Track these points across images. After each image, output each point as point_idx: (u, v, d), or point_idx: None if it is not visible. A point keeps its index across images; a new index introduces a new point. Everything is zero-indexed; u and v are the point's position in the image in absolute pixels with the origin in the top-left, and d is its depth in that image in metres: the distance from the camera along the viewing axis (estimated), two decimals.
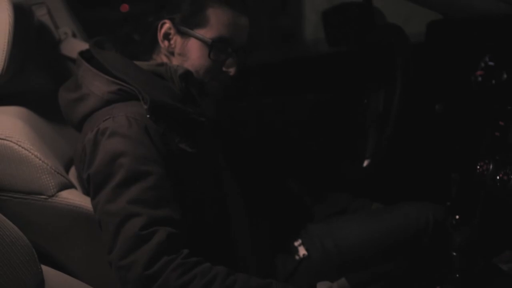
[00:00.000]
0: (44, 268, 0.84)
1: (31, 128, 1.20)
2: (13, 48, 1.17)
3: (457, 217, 1.24)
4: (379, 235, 1.40)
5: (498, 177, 1.21)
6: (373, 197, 1.60)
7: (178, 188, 1.11)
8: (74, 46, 1.53)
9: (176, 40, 1.24)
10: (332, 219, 1.49)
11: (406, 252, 1.40)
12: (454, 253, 1.23)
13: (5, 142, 1.10)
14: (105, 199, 1.05)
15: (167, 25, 1.23)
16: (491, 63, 1.34)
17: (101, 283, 1.09)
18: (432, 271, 1.36)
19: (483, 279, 1.28)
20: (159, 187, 1.06)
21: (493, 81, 1.33)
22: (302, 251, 1.36)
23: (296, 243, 1.38)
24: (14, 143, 1.10)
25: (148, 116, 1.11)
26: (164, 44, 1.24)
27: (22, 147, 1.10)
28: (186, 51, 1.23)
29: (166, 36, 1.24)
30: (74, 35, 1.67)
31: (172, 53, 1.25)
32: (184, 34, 1.23)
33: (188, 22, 1.22)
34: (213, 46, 1.21)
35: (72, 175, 1.26)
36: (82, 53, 1.25)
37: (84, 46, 1.36)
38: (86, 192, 1.15)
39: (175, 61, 1.24)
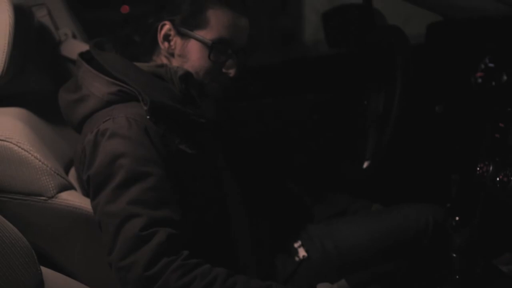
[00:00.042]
0: (44, 269, 0.84)
1: (31, 129, 1.19)
2: (13, 49, 1.17)
3: (457, 218, 1.24)
4: (379, 236, 1.40)
5: (498, 179, 1.21)
6: (373, 198, 1.60)
7: (178, 189, 1.11)
8: (74, 47, 1.53)
9: (176, 41, 1.24)
10: (332, 220, 1.49)
11: (406, 254, 1.40)
12: (454, 255, 1.23)
13: (5, 143, 1.10)
14: (105, 200, 1.05)
15: (167, 26, 1.23)
16: (491, 65, 1.34)
17: (101, 284, 1.09)
18: (432, 272, 1.36)
19: (483, 281, 1.28)
20: (159, 188, 1.06)
21: (493, 83, 1.33)
22: (302, 252, 1.36)
23: (296, 244, 1.38)
24: (14, 144, 1.10)
25: (148, 117, 1.11)
26: (164, 46, 1.25)
27: (22, 148, 1.10)
28: (186, 52, 1.23)
29: (166, 38, 1.24)
30: (74, 36, 1.67)
31: (172, 55, 1.25)
32: (184, 36, 1.23)
33: (188, 24, 1.22)
34: (213, 48, 1.22)
35: (72, 176, 1.25)
36: (82, 54, 1.25)
37: (84, 47, 1.36)
38: (86, 193, 1.15)
39: (175, 63, 1.24)
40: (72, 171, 1.28)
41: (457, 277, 1.23)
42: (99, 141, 1.09)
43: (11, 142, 1.10)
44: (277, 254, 1.35)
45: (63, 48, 1.59)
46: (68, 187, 1.15)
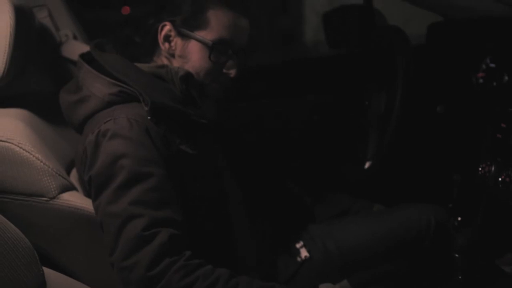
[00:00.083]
0: (46, 270, 0.84)
1: (32, 130, 1.19)
2: (14, 51, 1.17)
3: (459, 218, 1.24)
4: (380, 236, 1.39)
5: (500, 179, 1.21)
6: (375, 199, 1.60)
7: (179, 189, 1.11)
8: (75, 48, 1.53)
9: (177, 42, 1.24)
10: (333, 220, 1.49)
11: (407, 254, 1.40)
12: (456, 255, 1.23)
13: (7, 144, 1.10)
14: (107, 200, 1.05)
15: (168, 27, 1.23)
16: (492, 65, 1.34)
17: (103, 284, 1.09)
18: (434, 272, 1.36)
19: (485, 281, 1.28)
20: (161, 188, 1.06)
21: (494, 83, 1.33)
22: (304, 253, 1.36)
23: (297, 245, 1.37)
24: (16, 145, 1.10)
25: (149, 117, 1.11)
26: (164, 46, 1.25)
27: (23, 149, 1.10)
28: (186, 53, 1.23)
29: (167, 38, 1.24)
30: (75, 37, 1.67)
31: (173, 55, 1.25)
32: (184, 36, 1.23)
33: (188, 24, 1.22)
34: (214, 48, 1.22)
35: (74, 177, 1.25)
36: (83, 55, 1.25)
37: (85, 48, 1.36)
38: (88, 194, 1.15)
39: (176, 63, 1.25)
40: (74, 172, 1.28)
41: (459, 277, 1.23)
42: (100, 142, 1.09)
43: (12, 143, 1.10)
44: (279, 255, 1.34)
45: (63, 49, 1.59)
46: (69, 187, 1.15)
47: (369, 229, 1.41)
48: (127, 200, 1.03)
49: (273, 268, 1.31)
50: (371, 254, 1.38)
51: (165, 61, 1.26)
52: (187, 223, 1.07)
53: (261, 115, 1.96)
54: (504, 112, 1.26)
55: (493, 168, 1.23)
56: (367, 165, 1.66)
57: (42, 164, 1.11)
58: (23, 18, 1.23)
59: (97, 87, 1.16)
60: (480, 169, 1.24)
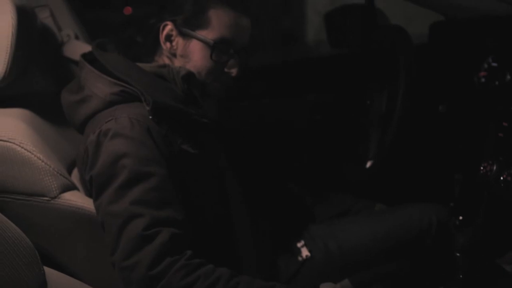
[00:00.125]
0: (47, 269, 0.84)
1: (33, 130, 1.20)
2: (16, 51, 1.17)
3: (460, 218, 1.23)
4: (382, 236, 1.39)
5: (501, 178, 1.21)
6: (376, 198, 1.60)
7: (180, 189, 1.11)
8: (77, 48, 1.53)
9: (178, 41, 1.24)
10: (334, 220, 1.49)
11: (409, 253, 1.40)
12: (458, 254, 1.23)
13: (8, 144, 1.10)
14: (108, 200, 1.05)
15: (169, 26, 1.24)
16: (494, 64, 1.34)
17: (104, 284, 1.09)
18: (435, 271, 1.36)
19: (486, 280, 1.28)
20: (162, 188, 1.06)
21: (496, 82, 1.33)
22: (305, 252, 1.35)
23: (299, 244, 1.37)
24: (17, 145, 1.11)
25: (150, 117, 1.11)
26: (166, 46, 1.25)
27: (25, 149, 1.11)
28: (188, 52, 1.23)
29: (168, 38, 1.24)
30: (76, 37, 1.68)
31: (174, 55, 1.25)
32: (186, 36, 1.23)
33: (190, 24, 1.22)
34: (215, 47, 1.22)
35: (75, 176, 1.26)
36: (84, 55, 1.25)
37: (87, 48, 1.37)
38: (89, 194, 1.15)
39: (177, 63, 1.25)
40: (75, 172, 1.28)
41: (461, 276, 1.23)
42: (101, 142, 1.09)
43: (14, 143, 1.11)
44: (280, 254, 1.34)
45: (65, 49, 1.59)
46: (71, 187, 1.15)
47: (371, 229, 1.41)
48: (128, 200, 1.03)
49: (274, 267, 1.31)
50: (373, 254, 1.38)
51: (167, 61, 1.26)
52: (188, 222, 1.07)
53: (263, 115, 1.96)
54: (506, 111, 1.26)
55: (494, 167, 1.22)
56: (368, 164, 1.66)
57: (43, 164, 1.11)
58: (25, 18, 1.23)
59: (99, 86, 1.16)
60: (482, 168, 1.24)
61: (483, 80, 1.37)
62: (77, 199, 1.14)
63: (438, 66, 1.82)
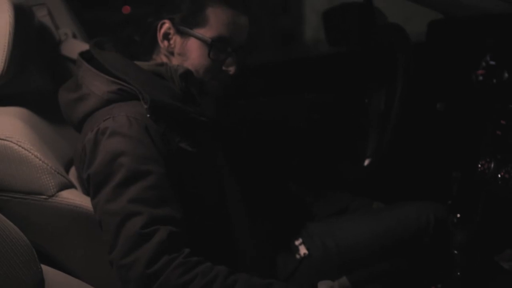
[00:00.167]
0: (44, 267, 0.83)
1: (31, 128, 1.20)
2: (13, 49, 1.17)
3: (458, 215, 1.23)
4: (379, 234, 1.39)
5: (499, 176, 1.21)
6: (374, 196, 1.60)
7: (178, 187, 1.11)
8: (74, 46, 1.53)
9: (176, 40, 1.24)
10: (332, 218, 1.49)
11: (407, 251, 1.40)
12: (455, 252, 1.23)
13: (5, 142, 1.10)
14: (106, 198, 1.05)
15: (167, 25, 1.23)
16: (492, 62, 1.34)
17: (102, 282, 1.09)
18: (433, 269, 1.36)
19: (484, 277, 1.28)
20: (160, 186, 1.06)
21: (494, 80, 1.33)
22: (303, 250, 1.35)
23: (297, 242, 1.37)
24: (14, 143, 1.11)
25: (148, 115, 1.11)
26: (163, 44, 1.25)
27: (22, 148, 1.11)
28: (185, 50, 1.23)
29: (166, 36, 1.24)
30: (74, 36, 1.67)
31: (172, 53, 1.25)
32: (183, 34, 1.23)
33: (187, 22, 1.22)
34: (213, 46, 1.22)
35: (72, 175, 1.26)
36: (82, 54, 1.25)
37: (84, 46, 1.37)
38: (86, 192, 1.15)
39: (175, 61, 1.25)
40: (73, 170, 1.28)
41: (458, 274, 1.23)
42: (99, 140, 1.09)
43: (11, 141, 1.11)
44: (278, 252, 1.34)
45: (63, 48, 1.59)
46: (68, 185, 1.15)
47: (368, 227, 1.41)
48: (126, 198, 1.03)
49: (272, 265, 1.31)
50: (370, 252, 1.38)
51: (164, 59, 1.26)
52: (186, 220, 1.07)
53: (261, 113, 1.96)
54: (504, 109, 1.26)
55: (492, 165, 1.22)
56: (366, 162, 1.66)
57: (40, 162, 1.11)
58: (22, 17, 1.23)
59: (96, 85, 1.16)
60: (479, 165, 1.24)
61: (481, 78, 1.36)
62: (75, 198, 1.14)
63: (436, 64, 1.82)
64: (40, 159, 1.11)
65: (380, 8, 1.99)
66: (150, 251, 0.99)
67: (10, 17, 1.17)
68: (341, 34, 1.99)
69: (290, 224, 1.43)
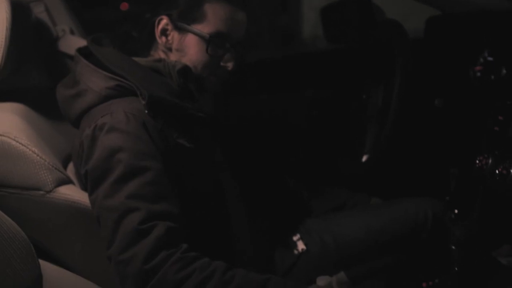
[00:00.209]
0: (42, 263, 0.84)
1: (28, 124, 1.19)
2: (10, 45, 1.17)
3: (456, 211, 1.23)
4: (377, 230, 1.39)
5: (497, 171, 1.21)
6: (372, 192, 1.60)
7: (176, 183, 1.11)
8: (72, 43, 1.53)
9: (174, 35, 1.24)
10: (330, 214, 1.49)
11: (404, 247, 1.40)
12: (453, 247, 1.23)
13: (3, 138, 1.10)
14: (104, 194, 1.05)
15: (164, 21, 1.23)
16: (490, 59, 1.34)
17: (99, 278, 1.09)
18: (430, 265, 1.36)
19: (482, 273, 1.28)
20: (158, 182, 1.06)
21: (492, 77, 1.33)
22: (301, 246, 1.36)
23: (295, 238, 1.37)
24: (12, 139, 1.10)
25: (146, 111, 1.11)
26: (161, 40, 1.24)
27: (20, 143, 1.10)
28: (183, 46, 1.23)
29: (164, 32, 1.24)
30: (72, 33, 1.67)
31: (170, 49, 1.25)
32: (181, 30, 1.23)
33: (185, 18, 1.22)
34: (211, 41, 1.22)
35: (70, 171, 1.25)
36: (80, 50, 1.25)
37: (82, 43, 1.36)
38: (84, 188, 1.15)
39: (173, 57, 1.24)
40: (71, 166, 1.28)
41: (456, 269, 1.23)
42: (97, 136, 1.09)
43: (8, 137, 1.11)
44: (276, 248, 1.34)
45: (60, 44, 1.59)
46: (66, 181, 1.15)
47: (366, 223, 1.41)
48: (124, 194, 1.03)
49: (270, 261, 1.31)
50: (368, 248, 1.38)
51: (162, 55, 1.26)
52: (184, 216, 1.07)
53: (259, 110, 1.96)
54: (502, 105, 1.26)
55: (490, 161, 1.22)
56: (364, 158, 1.66)
57: (38, 157, 1.11)
58: (19, 13, 1.23)
59: (94, 81, 1.16)
60: (477, 161, 1.24)
61: (479, 74, 1.36)
62: (73, 193, 1.14)
63: (434, 60, 1.82)
64: (37, 155, 1.11)
65: (378, 4, 1.99)
66: (148, 246, 0.99)
67: (7, 13, 1.17)
68: (339, 30, 1.99)
69: (288, 219, 1.43)
